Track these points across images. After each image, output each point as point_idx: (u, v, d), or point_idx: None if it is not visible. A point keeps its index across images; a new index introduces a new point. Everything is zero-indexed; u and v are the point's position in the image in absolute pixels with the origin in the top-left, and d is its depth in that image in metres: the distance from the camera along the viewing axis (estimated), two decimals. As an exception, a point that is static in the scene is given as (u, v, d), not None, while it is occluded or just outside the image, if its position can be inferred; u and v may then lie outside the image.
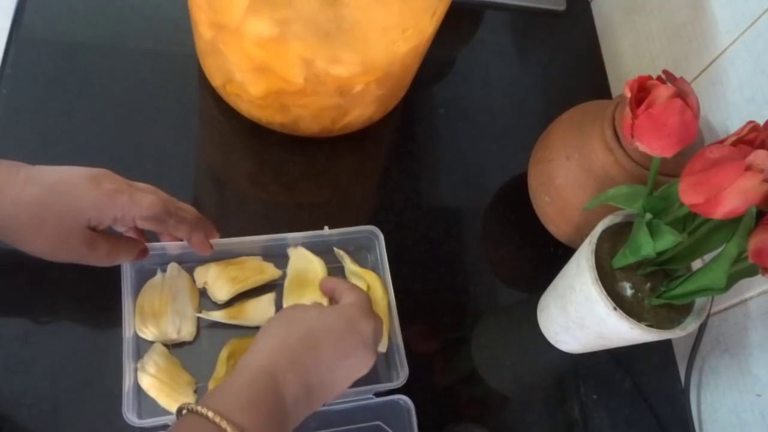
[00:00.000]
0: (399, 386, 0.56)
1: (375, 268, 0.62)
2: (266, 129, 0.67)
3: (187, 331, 0.56)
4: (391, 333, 0.58)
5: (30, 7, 0.67)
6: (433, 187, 0.71)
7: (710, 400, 0.64)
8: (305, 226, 0.61)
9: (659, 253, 0.50)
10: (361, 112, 0.65)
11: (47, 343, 0.54)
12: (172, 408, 0.53)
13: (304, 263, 0.61)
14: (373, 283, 0.60)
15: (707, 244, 0.49)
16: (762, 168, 0.40)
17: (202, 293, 0.59)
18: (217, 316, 0.57)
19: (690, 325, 0.53)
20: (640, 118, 0.45)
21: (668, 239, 0.48)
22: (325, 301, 0.58)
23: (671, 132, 0.45)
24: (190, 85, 0.69)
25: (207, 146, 0.67)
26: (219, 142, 0.67)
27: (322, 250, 0.62)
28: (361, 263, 0.62)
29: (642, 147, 0.47)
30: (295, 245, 0.61)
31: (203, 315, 0.57)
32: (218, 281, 0.57)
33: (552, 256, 0.69)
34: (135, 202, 0.48)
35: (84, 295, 0.56)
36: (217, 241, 0.56)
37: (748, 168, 0.40)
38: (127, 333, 0.53)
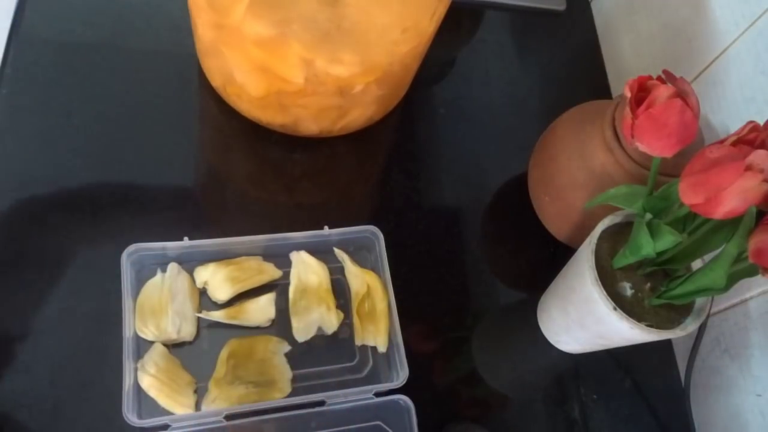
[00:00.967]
0: (399, 386, 0.56)
1: (375, 268, 0.61)
2: (266, 129, 0.67)
3: (187, 331, 0.56)
4: (391, 333, 0.58)
5: (30, 7, 0.67)
6: (433, 187, 0.70)
7: (710, 400, 0.64)
8: (305, 226, 0.61)
9: (659, 253, 0.50)
10: (361, 113, 0.65)
11: (47, 343, 0.54)
12: (172, 408, 0.53)
13: (306, 269, 0.61)
14: (373, 283, 0.60)
15: (707, 244, 0.49)
16: (762, 168, 0.40)
17: (202, 293, 0.59)
18: (217, 316, 0.57)
19: (690, 325, 0.53)
20: (640, 118, 0.45)
21: (668, 239, 0.48)
22: (332, 313, 0.58)
23: (671, 132, 0.45)
24: (190, 85, 0.69)
25: (207, 146, 0.67)
26: (219, 142, 0.67)
27: (322, 250, 0.62)
28: (361, 263, 0.62)
29: (642, 147, 0.47)
30: (297, 249, 0.61)
31: (203, 315, 0.57)
32: (218, 281, 0.57)
33: (552, 256, 0.69)
34: None
35: (84, 295, 0.56)
36: (217, 241, 0.56)
37: (748, 168, 0.40)
38: (127, 333, 0.53)
